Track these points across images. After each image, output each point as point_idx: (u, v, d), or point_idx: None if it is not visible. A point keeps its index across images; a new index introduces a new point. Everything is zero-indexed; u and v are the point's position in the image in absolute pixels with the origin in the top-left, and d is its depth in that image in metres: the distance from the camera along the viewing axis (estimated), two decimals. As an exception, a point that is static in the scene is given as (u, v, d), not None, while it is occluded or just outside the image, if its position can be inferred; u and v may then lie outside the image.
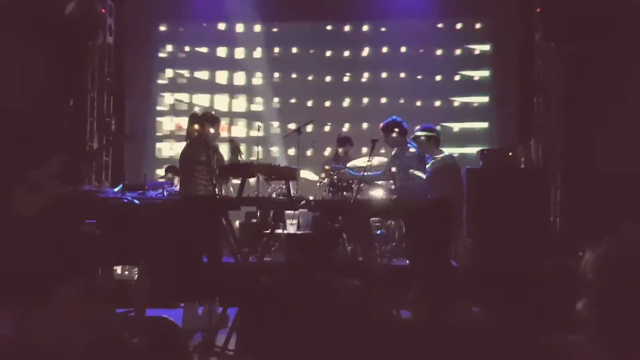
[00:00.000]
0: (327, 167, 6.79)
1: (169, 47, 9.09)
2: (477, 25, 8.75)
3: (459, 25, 8.74)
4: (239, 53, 8.97)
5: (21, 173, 2.74)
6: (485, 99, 8.75)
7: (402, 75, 8.77)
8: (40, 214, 2.78)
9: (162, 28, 9.07)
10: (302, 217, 5.81)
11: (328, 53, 8.91)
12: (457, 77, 8.75)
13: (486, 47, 8.77)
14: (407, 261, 5.67)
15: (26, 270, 2.82)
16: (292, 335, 3.13)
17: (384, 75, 8.81)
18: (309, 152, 8.08)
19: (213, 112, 5.34)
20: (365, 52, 8.91)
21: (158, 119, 9.05)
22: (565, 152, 7.42)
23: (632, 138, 5.57)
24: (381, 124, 5.67)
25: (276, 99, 8.88)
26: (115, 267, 4.33)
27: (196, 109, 5.30)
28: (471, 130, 8.71)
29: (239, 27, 8.90)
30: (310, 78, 8.92)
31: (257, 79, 8.91)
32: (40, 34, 6.25)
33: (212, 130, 5.18)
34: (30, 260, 2.70)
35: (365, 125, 8.68)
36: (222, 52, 9.02)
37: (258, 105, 8.96)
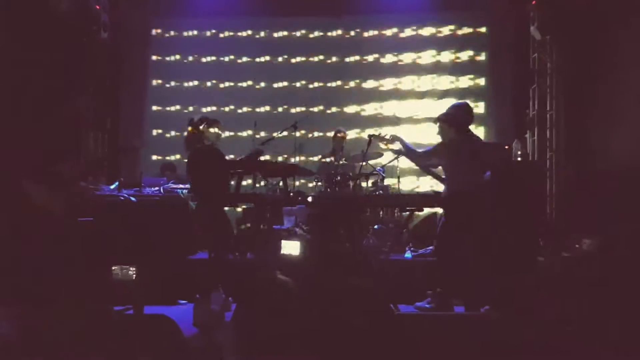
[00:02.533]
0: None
1: (165, 44, 9.06)
2: (473, 18, 8.72)
3: (453, 19, 8.72)
4: (240, 52, 8.97)
5: (43, 169, 2.72)
6: (481, 90, 8.73)
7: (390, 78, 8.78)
8: (60, 210, 2.78)
9: (158, 24, 9.03)
10: (300, 213, 5.84)
11: (333, 58, 8.91)
12: (453, 67, 8.72)
13: (482, 39, 8.73)
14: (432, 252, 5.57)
15: (31, 267, 2.82)
16: (290, 333, 3.14)
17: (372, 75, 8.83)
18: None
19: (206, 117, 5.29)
20: (355, 49, 8.88)
21: (153, 110, 9.05)
22: (561, 144, 7.44)
23: (629, 131, 5.58)
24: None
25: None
26: (113, 265, 4.32)
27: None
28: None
29: (239, 24, 8.90)
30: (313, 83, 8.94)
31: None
32: (34, 31, 6.21)
33: (210, 132, 5.15)
34: (37, 257, 2.69)
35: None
36: (221, 50, 9.01)
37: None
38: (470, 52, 8.70)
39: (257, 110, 8.90)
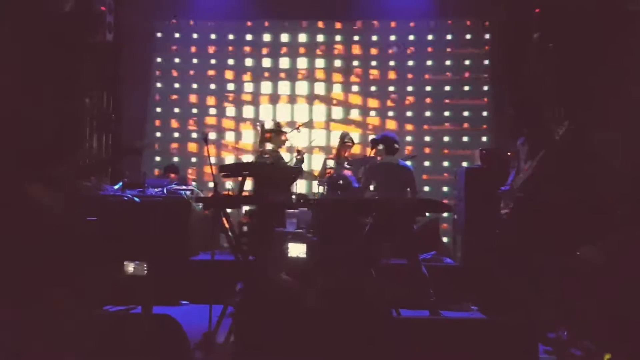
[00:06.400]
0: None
1: (169, 45, 9.11)
2: (474, 25, 8.77)
3: (454, 25, 8.77)
4: (244, 52, 9.00)
5: (43, 168, 2.72)
6: (482, 99, 8.78)
7: (393, 76, 8.80)
8: (63, 211, 2.77)
9: (163, 26, 9.08)
10: (302, 216, 5.85)
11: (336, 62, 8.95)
12: (455, 72, 8.76)
13: (483, 47, 8.79)
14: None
15: (30, 267, 2.81)
16: (292, 333, 3.16)
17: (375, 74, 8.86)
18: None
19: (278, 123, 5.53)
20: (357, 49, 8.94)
21: (157, 111, 9.09)
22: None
23: (628, 140, 5.61)
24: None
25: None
26: (125, 263, 4.34)
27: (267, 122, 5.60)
28: (470, 130, 8.74)
29: (243, 27, 8.94)
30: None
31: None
32: (39, 31, 6.24)
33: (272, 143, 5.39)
34: (36, 256, 2.69)
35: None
36: (225, 50, 9.04)
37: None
38: (473, 59, 8.76)
39: (260, 112, 8.95)
